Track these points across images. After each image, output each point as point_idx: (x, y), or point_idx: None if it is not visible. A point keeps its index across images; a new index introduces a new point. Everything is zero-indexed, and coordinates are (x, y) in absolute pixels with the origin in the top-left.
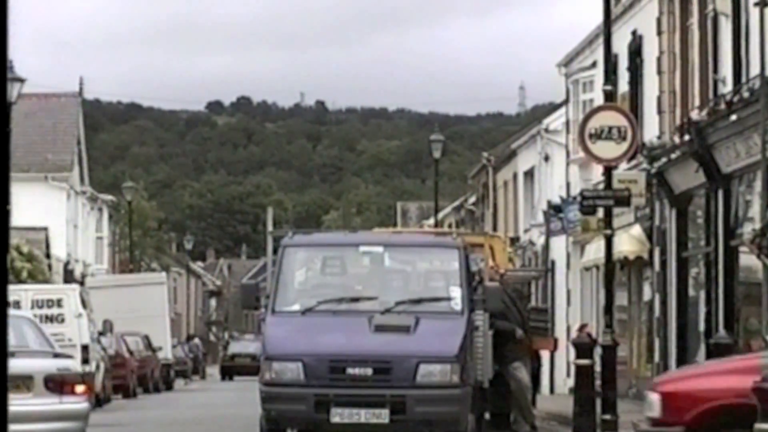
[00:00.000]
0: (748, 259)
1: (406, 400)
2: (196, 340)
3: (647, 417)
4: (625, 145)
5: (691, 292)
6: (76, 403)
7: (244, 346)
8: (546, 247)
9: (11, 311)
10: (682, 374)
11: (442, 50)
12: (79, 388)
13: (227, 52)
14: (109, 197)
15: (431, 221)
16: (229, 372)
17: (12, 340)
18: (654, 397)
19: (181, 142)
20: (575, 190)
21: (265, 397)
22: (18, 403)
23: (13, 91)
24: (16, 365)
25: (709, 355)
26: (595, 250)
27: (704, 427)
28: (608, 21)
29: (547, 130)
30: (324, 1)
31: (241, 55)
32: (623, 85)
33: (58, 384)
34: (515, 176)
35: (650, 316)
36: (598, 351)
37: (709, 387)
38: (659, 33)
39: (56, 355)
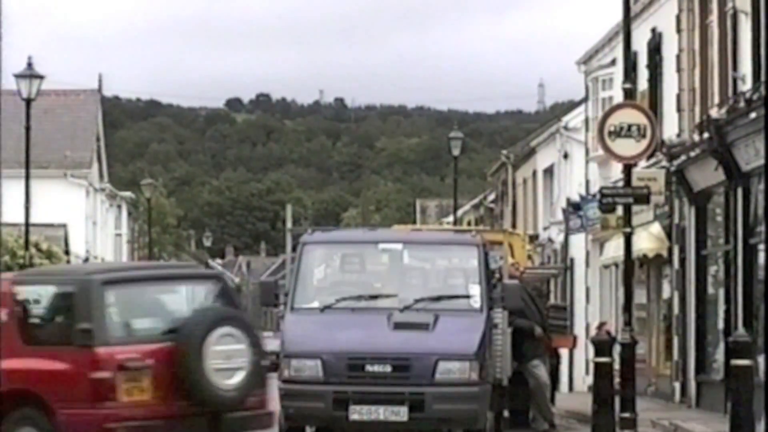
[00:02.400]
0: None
1: (424, 398)
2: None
3: None
4: (644, 143)
5: (710, 290)
6: None
7: (266, 343)
8: (565, 244)
9: None
10: None
11: (461, 48)
12: None
13: (247, 49)
14: (128, 194)
15: (450, 219)
16: None
17: None
18: None
19: (200, 139)
20: (594, 188)
21: (284, 394)
22: None
23: (33, 87)
24: None
25: (728, 353)
26: (615, 248)
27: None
28: (628, 19)
29: (566, 128)
30: None
31: (261, 52)
32: (642, 83)
33: None
34: (534, 174)
35: (669, 313)
36: (617, 349)
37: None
38: (679, 31)
39: None
